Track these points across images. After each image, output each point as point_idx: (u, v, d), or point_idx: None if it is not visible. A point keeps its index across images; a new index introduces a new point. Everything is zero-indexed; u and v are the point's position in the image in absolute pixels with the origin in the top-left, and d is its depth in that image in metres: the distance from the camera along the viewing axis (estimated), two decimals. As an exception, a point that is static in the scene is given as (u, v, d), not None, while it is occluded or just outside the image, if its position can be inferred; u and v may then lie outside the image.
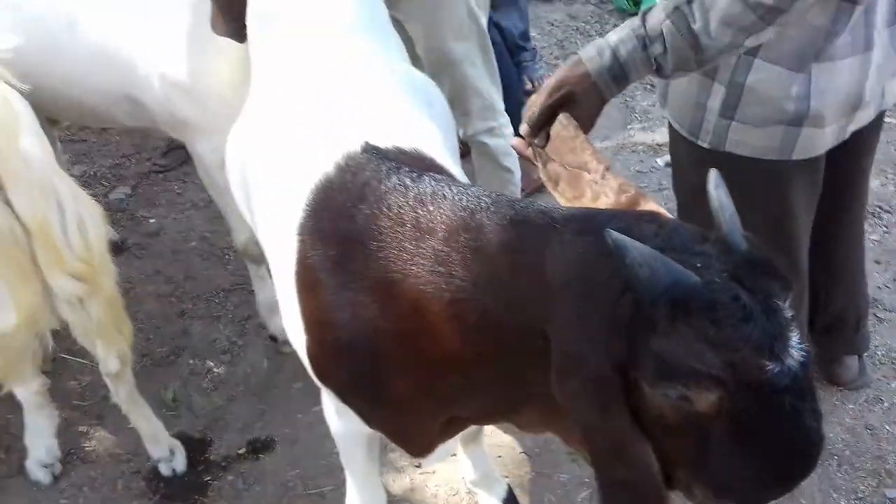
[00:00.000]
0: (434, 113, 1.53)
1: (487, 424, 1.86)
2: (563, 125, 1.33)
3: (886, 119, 1.94)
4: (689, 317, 0.91)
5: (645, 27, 1.33)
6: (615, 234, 0.94)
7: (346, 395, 1.39)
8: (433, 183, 1.22)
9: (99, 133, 3.64)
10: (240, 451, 2.32)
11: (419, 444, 1.47)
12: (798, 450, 0.95)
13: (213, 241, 3.08)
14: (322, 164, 1.31)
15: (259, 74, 1.66)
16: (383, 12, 1.77)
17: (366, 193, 1.25)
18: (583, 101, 1.34)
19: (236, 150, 1.60)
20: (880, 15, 1.47)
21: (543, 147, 1.36)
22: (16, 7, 2.05)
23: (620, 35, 1.35)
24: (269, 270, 2.47)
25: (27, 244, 1.69)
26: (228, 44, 1.97)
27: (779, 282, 0.95)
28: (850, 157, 1.71)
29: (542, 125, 1.36)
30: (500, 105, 2.39)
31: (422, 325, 1.18)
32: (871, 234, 2.54)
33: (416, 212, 1.20)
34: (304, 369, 2.52)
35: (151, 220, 3.17)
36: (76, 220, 1.74)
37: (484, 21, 2.23)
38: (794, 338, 0.92)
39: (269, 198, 1.44)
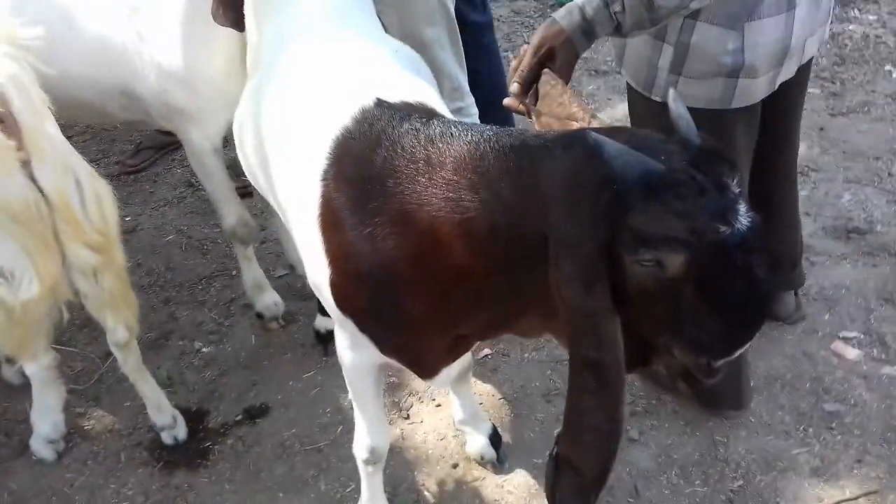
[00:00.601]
0: (423, 77, 1.75)
1: (489, 338, 2.02)
2: (549, 83, 1.55)
3: (809, 90, 2.24)
4: (657, 195, 1.14)
5: None
6: (594, 135, 1.19)
7: (364, 322, 1.57)
8: (441, 125, 1.43)
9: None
10: (237, 418, 2.46)
11: (428, 366, 1.66)
12: (755, 297, 1.18)
13: (189, 234, 3.22)
14: (340, 118, 1.51)
15: (263, 54, 1.84)
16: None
17: (382, 139, 1.45)
18: (560, 56, 1.57)
19: (250, 119, 1.78)
20: None
21: (535, 104, 1.58)
22: (14, 1, 2.16)
23: None
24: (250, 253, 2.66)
25: (49, 217, 1.83)
26: (222, 34, 2.15)
27: (727, 165, 1.20)
28: (779, 106, 1.99)
29: (531, 83, 1.59)
30: (466, 86, 2.60)
31: (436, 247, 1.38)
32: (802, 191, 2.83)
33: (426, 149, 1.40)
34: (292, 342, 2.74)
35: (127, 219, 3.27)
36: (93, 195, 1.89)
37: (451, 8, 2.45)
38: (742, 207, 1.17)
39: (289, 153, 1.63)
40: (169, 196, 3.42)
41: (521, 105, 1.61)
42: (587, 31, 1.59)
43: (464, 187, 1.35)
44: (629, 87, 1.95)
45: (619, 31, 1.61)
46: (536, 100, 1.58)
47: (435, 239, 1.38)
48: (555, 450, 1.35)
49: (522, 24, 4.44)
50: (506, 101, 1.65)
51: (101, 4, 2.21)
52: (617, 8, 1.57)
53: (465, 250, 1.36)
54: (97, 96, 2.33)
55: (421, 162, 1.40)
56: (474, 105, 2.63)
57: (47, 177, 1.78)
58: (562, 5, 1.65)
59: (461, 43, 2.53)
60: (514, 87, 1.61)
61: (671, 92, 1.30)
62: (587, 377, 1.25)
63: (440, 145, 1.40)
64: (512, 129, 1.42)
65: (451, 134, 1.40)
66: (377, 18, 1.96)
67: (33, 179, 1.78)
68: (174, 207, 3.36)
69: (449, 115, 1.59)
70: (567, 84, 1.56)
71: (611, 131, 1.28)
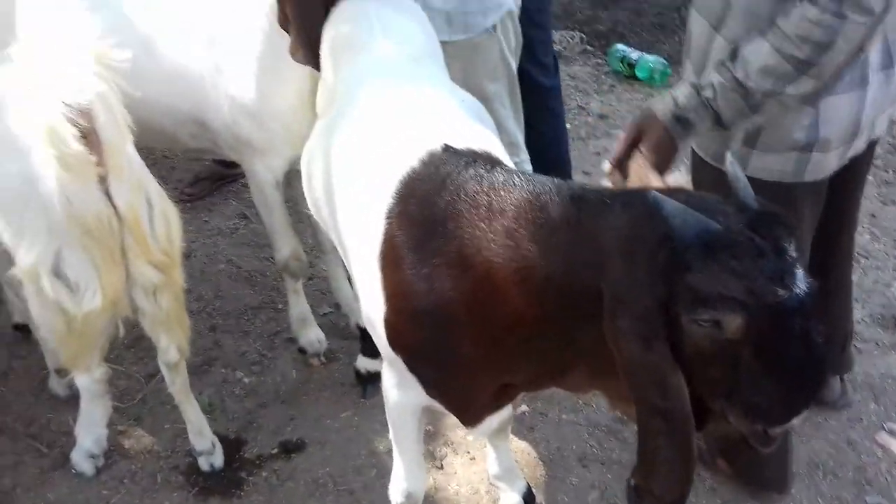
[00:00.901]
0: (488, 128, 1.81)
1: (536, 389, 2.04)
2: (638, 162, 1.63)
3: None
4: (715, 255, 1.16)
5: (698, 79, 1.65)
6: (653, 193, 1.22)
7: (414, 362, 1.60)
8: (504, 173, 1.47)
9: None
10: (272, 451, 2.48)
11: (472, 412, 1.67)
12: (812, 361, 1.19)
13: (239, 265, 3.28)
14: (408, 160, 1.56)
15: (338, 94, 1.91)
16: (440, 49, 2.06)
17: (446, 183, 1.49)
18: (652, 139, 1.64)
19: (320, 153, 1.84)
20: (874, 57, 1.77)
21: (625, 179, 1.65)
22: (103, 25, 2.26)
23: (680, 87, 1.68)
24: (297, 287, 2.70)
25: (119, 233, 1.90)
26: (295, 71, 2.24)
27: (785, 229, 1.21)
28: (846, 183, 2.00)
29: (622, 161, 1.66)
30: (522, 142, 2.66)
31: (491, 292, 1.41)
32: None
33: (489, 196, 1.44)
34: (332, 380, 2.76)
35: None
36: (162, 215, 1.96)
37: (514, 67, 2.52)
38: (800, 272, 1.18)
39: (356, 189, 1.68)
40: (223, 226, 3.50)
41: (611, 181, 1.68)
42: (682, 120, 1.64)
43: (522, 236, 1.38)
44: (694, 155, 1.98)
45: (719, 122, 1.66)
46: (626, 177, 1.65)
47: (491, 284, 1.41)
48: (632, 481, 1.36)
49: (576, 87, 4.50)
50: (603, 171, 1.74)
51: (182, 35, 2.31)
52: (708, 94, 1.62)
53: (520, 298, 1.39)
54: (170, 123, 2.42)
55: (482, 207, 1.44)
56: (528, 161, 2.68)
57: (122, 194, 1.85)
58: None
59: (521, 100, 2.59)
60: (605, 165, 1.70)
61: (728, 155, 1.33)
62: (657, 422, 1.26)
63: (502, 193, 1.44)
64: (573, 182, 1.46)
65: (514, 183, 1.44)
66: (445, 68, 2.03)
67: (108, 195, 1.85)
68: (227, 237, 3.44)
69: (511, 165, 1.63)
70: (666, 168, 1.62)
71: (669, 192, 1.30)
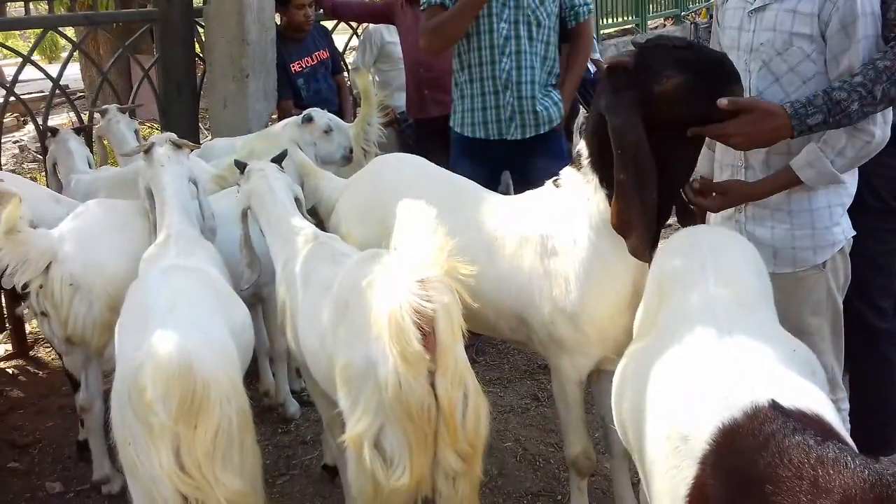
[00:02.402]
0: (817, 381, 1.74)
1: None
2: None
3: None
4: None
5: None
6: None
7: None
8: (836, 450, 1.40)
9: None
10: None
11: None
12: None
13: (525, 446, 3.37)
14: (730, 408, 1.55)
15: (660, 321, 1.97)
16: (771, 290, 2.05)
17: (769, 443, 1.45)
18: None
19: (633, 376, 1.90)
20: None
21: None
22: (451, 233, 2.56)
23: None
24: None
25: (434, 420, 2.07)
26: (617, 281, 2.36)
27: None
28: None
29: None
30: (840, 379, 2.50)
31: None
32: None
33: (815, 470, 1.38)
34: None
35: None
36: (474, 409, 2.11)
37: (840, 304, 2.42)
38: None
39: (668, 426, 1.69)
40: (515, 404, 3.63)
41: None
42: None
43: None
44: None
45: None
46: None
47: None
48: None
49: None
50: None
51: (524, 244, 2.54)
52: None
53: None
54: (494, 315, 2.63)
55: (806, 481, 1.38)
56: (846, 401, 2.51)
57: (444, 386, 2.03)
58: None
59: (843, 337, 2.46)
60: None
61: None
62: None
63: (830, 471, 1.37)
64: None
65: (846, 463, 1.37)
66: (776, 314, 2.01)
67: (433, 386, 2.04)
68: (517, 416, 3.56)
69: (842, 429, 1.56)
70: None
71: None
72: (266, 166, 2.94)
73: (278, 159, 3.04)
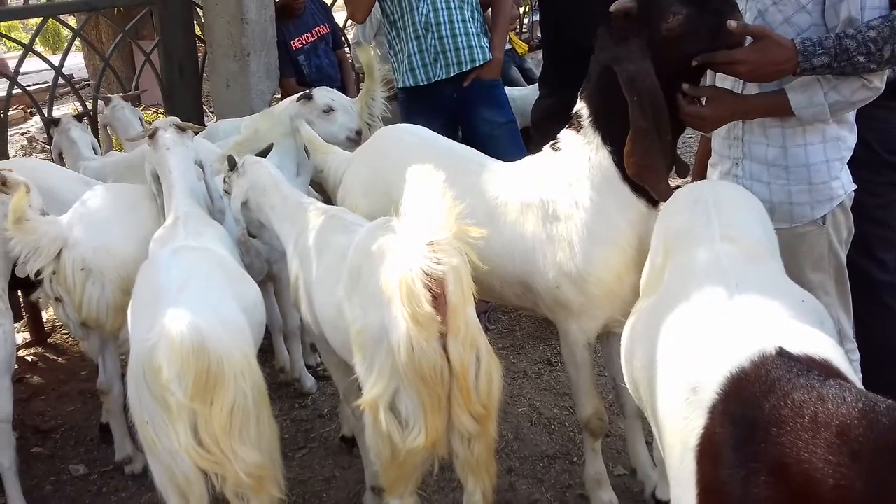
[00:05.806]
0: (825, 329, 1.76)
1: None
2: None
3: None
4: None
5: None
6: None
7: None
8: (836, 386, 1.42)
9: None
10: None
11: None
12: None
13: (540, 410, 3.40)
14: (738, 358, 1.57)
15: (667, 278, 1.98)
16: (776, 241, 2.06)
17: (775, 387, 1.48)
18: None
19: (643, 334, 1.92)
20: None
21: None
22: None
23: None
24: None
25: (448, 383, 2.10)
26: (622, 241, 2.37)
27: None
28: None
29: None
30: (849, 331, 2.51)
31: None
32: None
33: (816, 407, 1.40)
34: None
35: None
36: (486, 371, 2.14)
37: (843, 259, 2.41)
38: None
39: (678, 379, 1.71)
40: (528, 370, 3.66)
41: None
42: None
43: (844, 453, 1.33)
44: None
45: None
46: None
47: (805, 498, 1.36)
48: None
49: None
50: None
51: (526, 211, 2.55)
52: None
53: None
54: (499, 283, 2.64)
55: (807, 418, 1.40)
56: (857, 351, 2.53)
57: (456, 349, 2.05)
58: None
59: (849, 289, 2.46)
60: None
61: None
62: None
63: (830, 406, 1.39)
64: None
65: (844, 398, 1.39)
66: (782, 266, 2.01)
67: (445, 349, 2.06)
68: (531, 381, 3.59)
69: (853, 376, 1.58)
70: None
71: None
72: (258, 158, 2.99)
73: (263, 154, 3.08)
